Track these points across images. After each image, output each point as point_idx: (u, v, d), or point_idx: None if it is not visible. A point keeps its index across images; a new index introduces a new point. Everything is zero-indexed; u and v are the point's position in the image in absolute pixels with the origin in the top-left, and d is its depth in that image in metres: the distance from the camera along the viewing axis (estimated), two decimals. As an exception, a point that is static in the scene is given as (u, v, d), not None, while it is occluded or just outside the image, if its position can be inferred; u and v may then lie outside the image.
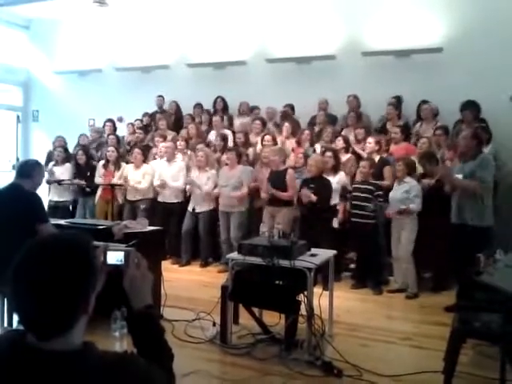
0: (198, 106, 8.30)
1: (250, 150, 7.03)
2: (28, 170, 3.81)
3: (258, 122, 7.35)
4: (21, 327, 1.15)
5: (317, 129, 7.20)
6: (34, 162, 3.99)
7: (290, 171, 5.92)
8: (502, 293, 2.75)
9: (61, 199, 7.28)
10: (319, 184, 5.65)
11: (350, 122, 7.06)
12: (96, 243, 1.26)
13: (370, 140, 6.14)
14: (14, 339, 1.14)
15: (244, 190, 6.36)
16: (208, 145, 7.23)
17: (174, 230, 6.68)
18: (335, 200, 5.87)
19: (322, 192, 5.59)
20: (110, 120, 8.26)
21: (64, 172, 7.29)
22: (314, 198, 5.54)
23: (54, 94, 10.03)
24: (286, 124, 7.01)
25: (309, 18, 7.87)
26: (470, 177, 4.66)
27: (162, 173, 6.83)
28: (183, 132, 7.78)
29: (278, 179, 5.85)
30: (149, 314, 1.40)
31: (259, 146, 6.97)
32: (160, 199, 6.87)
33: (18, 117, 9.25)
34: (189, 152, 7.15)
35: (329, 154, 5.98)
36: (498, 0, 6.79)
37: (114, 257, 1.38)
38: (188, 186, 6.67)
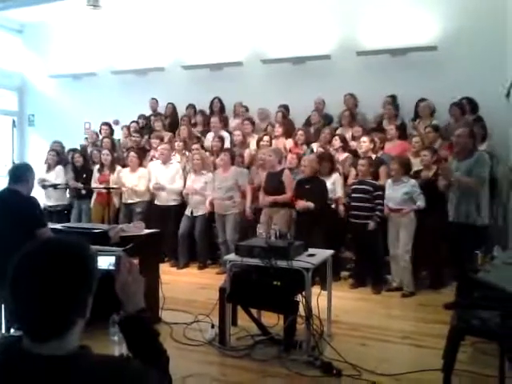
0: (191, 106, 8.29)
1: (247, 151, 7.02)
2: (22, 175, 3.79)
3: (246, 122, 7.35)
4: (18, 333, 1.15)
5: (312, 129, 7.20)
6: (26, 166, 3.98)
7: (286, 172, 5.91)
8: (498, 290, 2.75)
9: (55, 203, 7.25)
10: (314, 184, 5.65)
11: (344, 121, 7.06)
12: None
13: (365, 139, 6.13)
14: (9, 344, 1.15)
15: (248, 193, 6.34)
16: (202, 147, 7.20)
17: (171, 232, 6.64)
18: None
19: (317, 193, 5.58)
20: (106, 123, 8.24)
21: (56, 177, 7.22)
22: (311, 205, 5.54)
23: (50, 97, 10.02)
24: (277, 125, 7.03)
25: (303, 19, 7.88)
26: (466, 175, 4.66)
27: (158, 175, 6.81)
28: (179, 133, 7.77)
29: (274, 180, 5.84)
30: (140, 318, 1.40)
31: (253, 147, 6.96)
32: (157, 202, 6.84)
33: (13, 121, 9.22)
34: (187, 153, 7.14)
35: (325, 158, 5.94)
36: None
37: (107, 262, 1.37)
38: (185, 191, 6.64)
